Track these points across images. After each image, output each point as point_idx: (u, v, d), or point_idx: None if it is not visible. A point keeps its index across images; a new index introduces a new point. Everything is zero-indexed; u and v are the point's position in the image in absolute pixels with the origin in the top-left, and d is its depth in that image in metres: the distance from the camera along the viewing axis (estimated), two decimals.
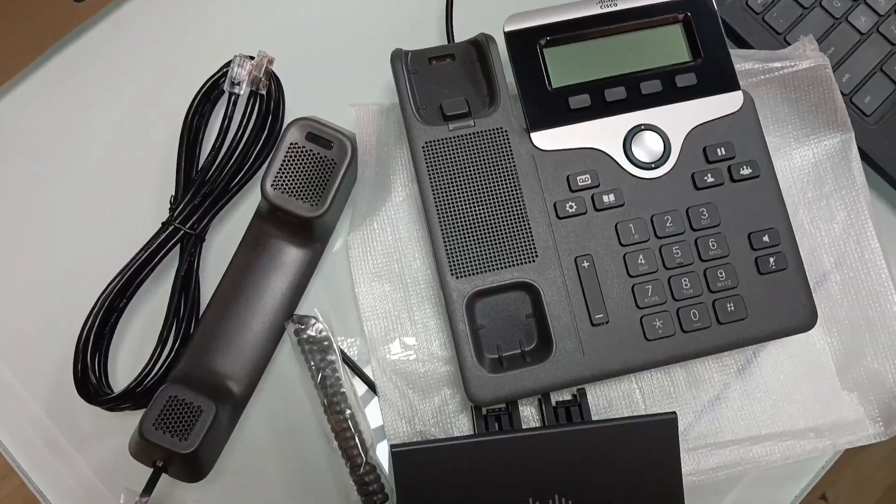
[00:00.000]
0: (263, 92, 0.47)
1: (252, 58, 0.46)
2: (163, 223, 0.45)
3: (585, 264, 0.44)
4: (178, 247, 0.45)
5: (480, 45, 0.46)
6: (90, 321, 0.43)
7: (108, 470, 0.44)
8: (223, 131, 0.46)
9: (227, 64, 0.47)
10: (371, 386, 0.46)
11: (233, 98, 0.47)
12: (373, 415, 0.46)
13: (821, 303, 0.47)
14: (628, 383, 0.47)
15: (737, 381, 0.47)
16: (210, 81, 0.47)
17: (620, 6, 0.46)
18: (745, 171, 0.45)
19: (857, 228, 0.48)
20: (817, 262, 0.48)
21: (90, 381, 0.42)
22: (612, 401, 0.47)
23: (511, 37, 0.46)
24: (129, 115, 0.50)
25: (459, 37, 0.50)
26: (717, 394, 0.47)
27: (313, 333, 0.44)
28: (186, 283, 0.45)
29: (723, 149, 0.45)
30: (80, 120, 0.50)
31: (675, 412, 0.44)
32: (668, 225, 0.44)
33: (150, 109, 0.50)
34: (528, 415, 0.46)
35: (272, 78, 0.47)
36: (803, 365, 0.47)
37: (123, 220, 0.47)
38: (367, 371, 0.46)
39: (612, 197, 0.44)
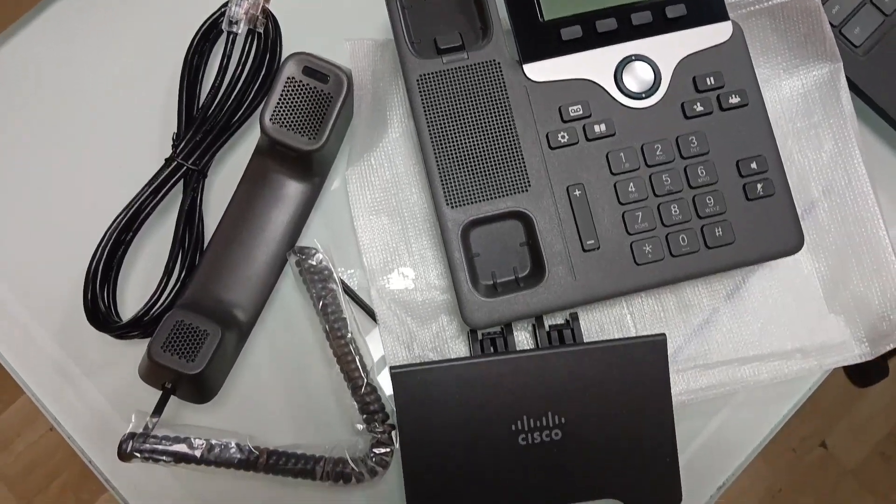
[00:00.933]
0: (261, 30, 0.48)
1: None
2: (166, 159, 0.46)
3: (577, 193, 0.45)
4: (181, 182, 0.46)
5: None
6: (98, 253, 0.44)
7: (119, 396, 0.46)
8: (222, 70, 0.47)
9: (225, 4, 0.47)
10: (370, 314, 0.47)
11: (231, 37, 0.47)
12: (373, 344, 0.47)
13: (809, 230, 0.48)
14: (619, 308, 0.48)
15: (726, 306, 0.48)
16: (208, 21, 0.48)
17: None
18: (734, 100, 0.46)
19: (845, 157, 0.49)
20: (806, 190, 0.49)
21: (100, 310, 0.44)
22: (604, 325, 0.48)
23: None
24: (131, 57, 0.51)
25: None
26: (707, 318, 0.48)
27: (314, 263, 0.45)
28: (190, 217, 0.46)
29: (712, 78, 0.46)
30: (85, 61, 0.51)
31: (664, 334, 0.45)
32: (657, 153, 0.45)
33: (151, 51, 0.51)
34: (523, 340, 0.48)
35: (269, 16, 0.48)
36: (791, 289, 0.49)
37: (128, 158, 0.48)
38: (366, 300, 0.48)
39: (603, 127, 0.45)
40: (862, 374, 1.31)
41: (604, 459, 0.45)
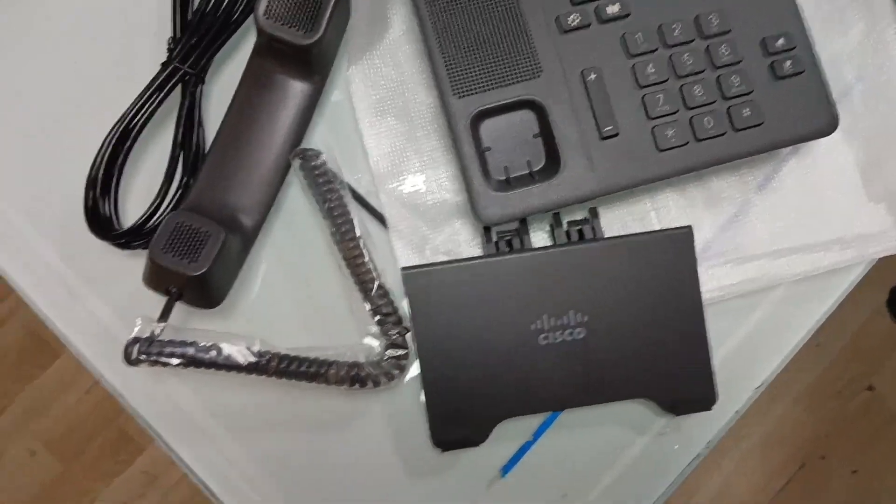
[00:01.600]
0: None
1: None
2: (162, 64, 0.45)
3: (593, 77, 0.42)
4: (179, 87, 0.45)
5: None
6: (98, 160, 0.43)
7: (127, 308, 0.44)
8: None
9: None
10: (379, 218, 0.45)
11: None
12: (383, 250, 0.45)
13: (843, 115, 0.45)
14: (643, 205, 0.46)
15: (758, 197, 0.46)
16: None
17: None
18: None
19: (876, 37, 0.46)
20: (838, 75, 0.46)
21: (101, 217, 0.43)
22: (627, 223, 0.46)
23: None
24: None
25: None
26: (737, 210, 0.46)
27: (318, 164, 0.44)
28: (189, 121, 0.44)
29: None
30: None
31: (690, 225, 0.43)
32: (676, 33, 0.43)
33: None
34: (540, 241, 0.45)
35: None
36: (827, 178, 0.46)
37: (125, 66, 0.47)
38: (375, 205, 0.46)
39: (616, 7, 0.43)
40: None
41: (631, 359, 0.42)
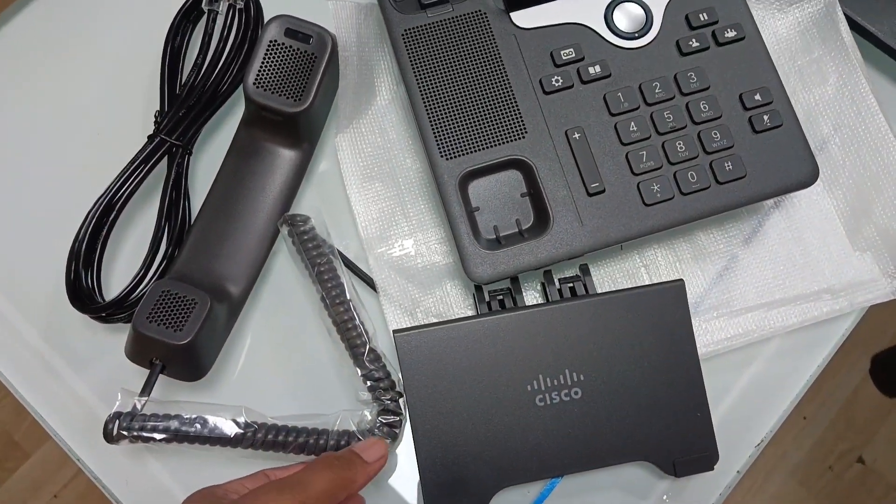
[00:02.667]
0: (241, 5, 0.47)
1: None
2: (149, 136, 0.45)
3: (577, 136, 0.43)
4: (165, 159, 0.45)
5: None
6: (81, 233, 0.42)
7: (107, 385, 0.43)
8: (204, 47, 0.46)
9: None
10: (369, 283, 0.45)
11: (212, 15, 0.47)
12: (372, 313, 0.45)
13: (823, 166, 0.46)
14: (632, 262, 0.46)
15: (744, 251, 0.46)
16: (189, 2, 0.47)
17: None
18: (730, 34, 0.45)
19: (851, 87, 0.47)
20: (815, 127, 0.48)
21: (83, 290, 0.42)
22: (617, 280, 0.46)
23: None
24: (112, 42, 0.50)
25: None
26: (725, 264, 0.46)
27: (307, 230, 0.43)
28: (176, 192, 0.44)
29: (705, 14, 0.45)
30: (67, 46, 0.50)
31: (681, 279, 0.42)
32: (657, 91, 0.44)
33: (131, 35, 0.50)
34: (532, 299, 0.45)
35: None
36: (811, 229, 0.46)
37: (112, 140, 0.47)
38: (364, 270, 0.45)
39: (597, 68, 0.44)
40: (893, 384, 1.26)
41: (630, 418, 0.41)
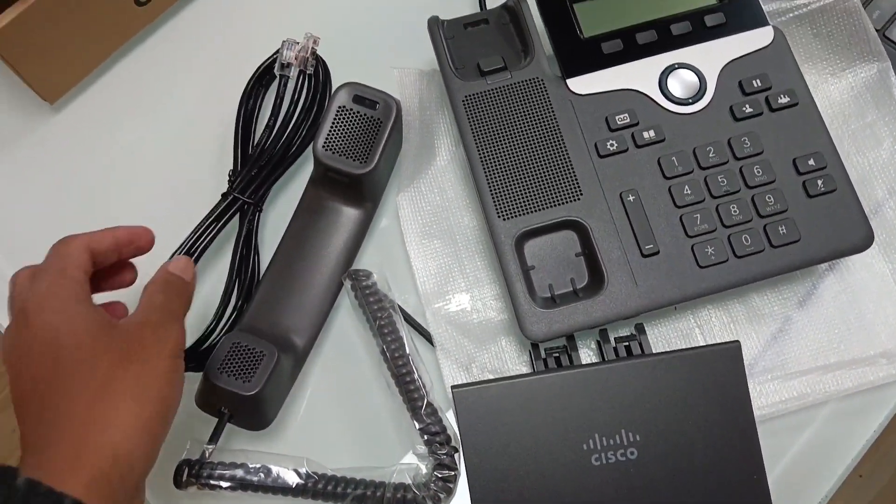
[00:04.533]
0: (311, 71, 0.50)
1: (298, 42, 0.49)
2: (223, 194, 0.47)
3: (631, 198, 0.44)
4: (237, 216, 0.47)
5: (512, 8, 0.49)
6: None
7: (175, 430, 0.44)
8: (276, 110, 0.49)
9: (277, 51, 0.50)
10: (427, 337, 0.46)
11: (283, 80, 0.49)
12: (429, 366, 0.46)
13: (878, 230, 0.46)
14: (686, 322, 0.46)
15: (799, 313, 0.46)
16: (262, 67, 0.50)
17: None
18: (784, 100, 0.46)
19: None
20: (870, 191, 0.48)
21: None
22: (671, 340, 0.46)
23: None
24: (188, 104, 0.53)
25: (491, 4, 0.52)
26: (780, 327, 0.46)
27: (369, 285, 0.45)
28: (247, 247, 0.46)
29: (758, 80, 0.46)
30: (145, 108, 0.53)
31: (737, 340, 0.43)
32: (710, 155, 0.45)
33: (207, 97, 0.53)
34: (587, 357, 0.46)
35: (318, 58, 0.50)
36: (866, 293, 0.46)
37: (186, 197, 0.50)
38: (422, 323, 0.47)
39: (652, 133, 0.45)
40: None
41: (686, 479, 0.42)
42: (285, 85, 0.49)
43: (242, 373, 0.41)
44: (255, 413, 0.42)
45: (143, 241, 0.41)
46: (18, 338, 0.35)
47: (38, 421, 0.32)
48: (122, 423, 0.32)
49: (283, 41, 0.49)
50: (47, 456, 0.31)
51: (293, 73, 0.49)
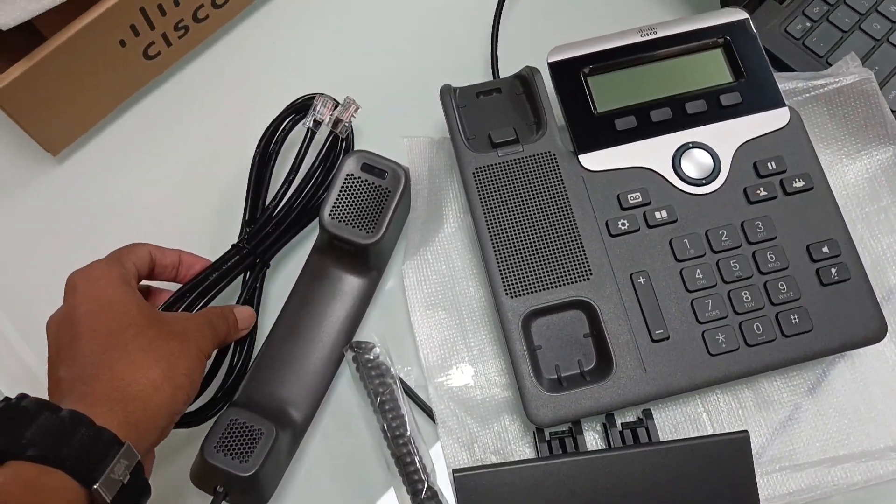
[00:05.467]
0: (343, 135, 0.48)
1: (337, 102, 0.48)
2: (233, 245, 0.46)
3: (642, 280, 0.43)
4: (243, 273, 0.46)
5: (525, 78, 0.48)
6: None
7: (167, 500, 0.43)
8: (297, 164, 0.47)
9: (305, 98, 0.48)
10: (429, 413, 0.45)
11: (309, 133, 0.47)
12: (431, 444, 0.45)
13: (890, 317, 0.45)
14: (694, 406, 0.45)
15: (808, 401, 0.45)
16: (289, 118, 0.48)
17: (660, 33, 0.48)
18: (798, 184, 0.45)
19: None
20: (882, 276, 0.47)
21: None
22: (679, 425, 0.45)
23: (555, 67, 0.47)
24: (192, 160, 0.53)
25: (505, 72, 0.52)
26: (789, 415, 0.45)
27: (371, 358, 0.44)
28: (249, 305, 0.45)
29: (773, 163, 0.45)
30: (155, 162, 0.53)
31: (746, 430, 0.42)
32: (723, 239, 0.44)
33: (213, 154, 0.53)
34: (592, 440, 0.45)
35: (350, 123, 0.49)
36: (877, 382, 0.45)
37: (196, 241, 0.48)
38: (424, 398, 0.46)
39: (664, 213, 0.45)
40: None
41: None
42: (310, 140, 0.47)
43: (239, 452, 0.40)
44: (252, 492, 0.41)
45: (200, 270, 0.44)
46: (64, 305, 0.37)
47: (82, 366, 0.35)
48: (156, 382, 0.35)
49: (318, 95, 0.48)
50: (90, 397, 0.33)
51: (324, 130, 0.48)
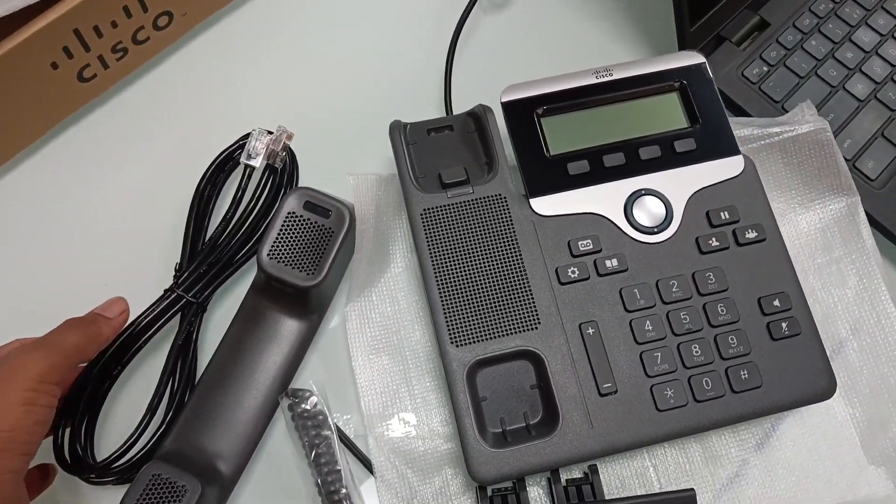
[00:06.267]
0: (279, 166, 0.47)
1: (270, 132, 0.46)
2: (165, 290, 0.44)
3: (591, 331, 0.42)
4: (178, 315, 0.44)
5: (478, 116, 0.47)
6: (80, 385, 0.41)
7: None
8: (235, 202, 0.45)
9: (244, 137, 0.46)
10: (367, 465, 0.43)
11: (247, 170, 0.46)
12: (368, 495, 0.43)
13: (839, 371, 0.45)
14: (641, 460, 0.44)
15: (756, 457, 0.44)
16: (225, 153, 0.47)
17: (616, 76, 0.47)
18: (751, 235, 0.44)
19: (871, 293, 0.47)
20: (832, 329, 0.47)
21: (75, 450, 0.40)
22: (625, 479, 0.44)
23: (508, 107, 0.46)
24: (135, 189, 0.50)
25: (457, 109, 0.51)
26: (736, 471, 0.44)
27: (308, 408, 0.42)
28: (184, 352, 0.43)
29: (726, 213, 0.44)
30: (88, 191, 0.50)
31: (693, 489, 0.41)
32: (674, 290, 0.43)
33: (158, 182, 0.50)
34: (536, 496, 0.43)
35: (288, 152, 0.47)
36: (825, 438, 0.45)
37: (128, 285, 0.46)
38: (363, 449, 0.44)
39: (615, 262, 0.43)
40: None
41: None
42: (249, 176, 0.46)
43: None
44: None
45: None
46: None
47: None
48: None
49: (253, 130, 0.46)
50: None
51: (259, 164, 0.46)
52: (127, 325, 0.43)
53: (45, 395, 0.35)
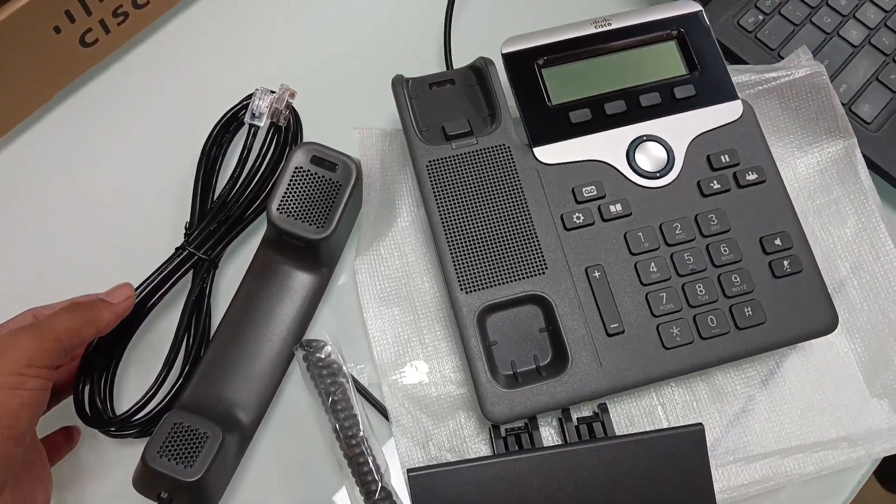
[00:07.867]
0: (283, 124, 0.47)
1: (273, 91, 0.47)
2: (177, 248, 0.44)
3: (597, 274, 0.43)
4: (191, 272, 0.45)
5: (479, 69, 0.47)
6: (96, 342, 0.42)
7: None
8: (242, 161, 0.46)
9: (248, 97, 0.47)
10: (382, 412, 0.44)
11: (252, 129, 0.46)
12: (385, 443, 0.44)
13: (841, 309, 0.46)
14: (649, 399, 0.45)
15: (762, 393, 0.45)
16: (229, 113, 0.47)
17: (615, 25, 0.47)
18: (751, 177, 0.45)
19: (870, 231, 0.47)
20: (833, 268, 0.48)
21: (95, 404, 0.41)
22: (634, 418, 0.45)
23: (509, 58, 0.46)
24: (143, 152, 0.51)
25: (458, 63, 0.51)
26: (742, 406, 0.45)
27: (323, 356, 0.43)
28: (198, 308, 0.44)
29: (726, 156, 0.45)
30: (94, 156, 0.50)
31: (701, 423, 0.42)
32: (677, 232, 0.44)
33: (164, 145, 0.51)
34: (548, 435, 0.44)
35: (291, 110, 0.47)
36: (829, 373, 0.46)
37: (140, 247, 0.47)
38: (378, 396, 0.45)
39: (618, 207, 0.44)
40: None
41: None
42: (254, 136, 0.46)
43: (184, 456, 0.38)
44: (198, 498, 0.39)
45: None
46: None
47: None
48: None
49: (256, 89, 0.46)
50: None
51: (264, 123, 0.46)
52: (141, 282, 0.43)
53: (32, 379, 0.34)
